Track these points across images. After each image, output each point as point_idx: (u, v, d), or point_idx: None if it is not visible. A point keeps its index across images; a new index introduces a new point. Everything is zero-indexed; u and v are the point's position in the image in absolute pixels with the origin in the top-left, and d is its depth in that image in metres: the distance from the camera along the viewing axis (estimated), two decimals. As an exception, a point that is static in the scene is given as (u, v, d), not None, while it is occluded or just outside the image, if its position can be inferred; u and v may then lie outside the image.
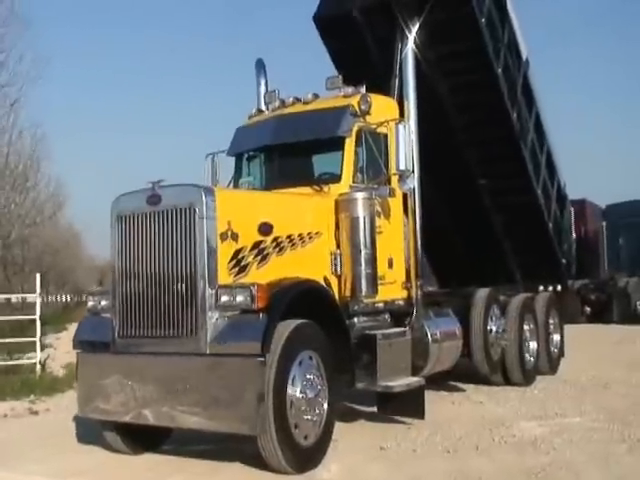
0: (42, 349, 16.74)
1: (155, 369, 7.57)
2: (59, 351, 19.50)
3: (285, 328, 7.35)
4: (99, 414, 8.19)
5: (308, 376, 7.51)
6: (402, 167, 8.97)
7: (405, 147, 8.95)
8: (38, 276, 15.65)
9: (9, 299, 34.95)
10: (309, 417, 7.46)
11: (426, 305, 10.56)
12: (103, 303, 8.31)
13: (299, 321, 7.53)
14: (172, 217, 7.52)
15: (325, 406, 7.74)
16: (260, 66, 10.90)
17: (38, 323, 15.49)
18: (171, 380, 7.40)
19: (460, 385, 12.35)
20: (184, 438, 8.62)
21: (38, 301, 15.64)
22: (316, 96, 9.70)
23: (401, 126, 8.98)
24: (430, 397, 11.27)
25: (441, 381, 12.00)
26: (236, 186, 9.98)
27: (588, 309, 26.47)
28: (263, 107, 10.27)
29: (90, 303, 8.52)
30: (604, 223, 28.10)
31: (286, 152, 9.66)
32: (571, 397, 11.35)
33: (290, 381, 7.30)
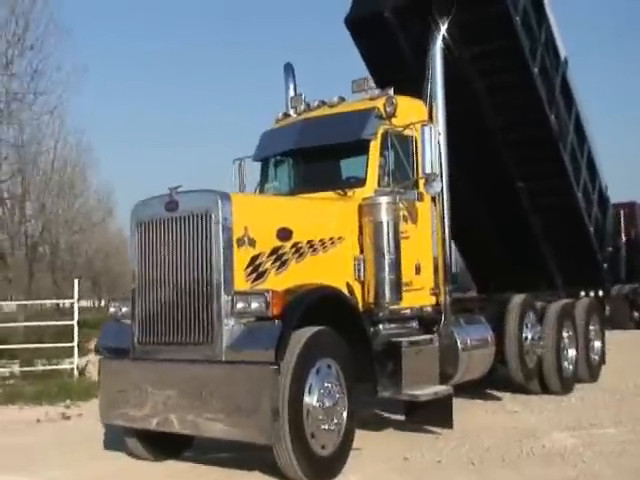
0: (85, 354, 16.89)
1: (172, 376, 7.51)
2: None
3: (302, 335, 7.23)
4: (119, 420, 8.18)
5: (326, 384, 7.37)
6: (428, 170, 8.80)
7: (431, 150, 8.77)
8: (76, 282, 15.81)
9: (58, 304, 35.58)
10: (326, 426, 7.33)
11: (457, 312, 10.39)
12: (124, 309, 8.30)
13: (317, 328, 7.40)
14: (189, 223, 7.47)
15: (344, 415, 7.59)
16: (289, 70, 10.83)
17: (76, 328, 15.61)
18: (188, 387, 7.34)
19: (496, 393, 12.12)
20: (206, 446, 8.55)
21: (76, 306, 15.78)
22: (342, 99, 9.59)
23: (427, 128, 8.80)
24: (463, 405, 11.24)
25: (477, 389, 11.81)
26: (262, 191, 9.92)
27: (637, 314, 25.84)
28: (290, 111, 10.16)
29: (111, 309, 8.53)
30: (654, 226, 27.38)
31: (311, 156, 9.57)
32: (608, 406, 11.03)
33: (307, 390, 7.18)
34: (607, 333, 22.23)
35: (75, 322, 15.49)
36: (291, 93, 10.60)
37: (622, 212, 29.31)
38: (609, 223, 14.62)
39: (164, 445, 8.37)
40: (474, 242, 14.33)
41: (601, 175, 14.32)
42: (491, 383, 11.94)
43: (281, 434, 6.92)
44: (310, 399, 7.20)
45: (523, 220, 13.27)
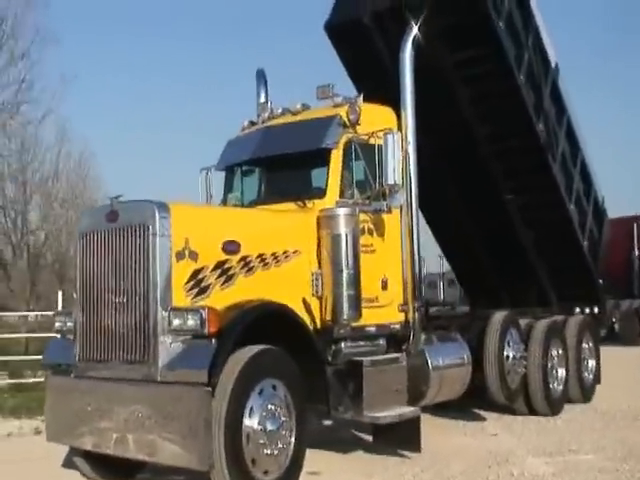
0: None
1: (110, 396, 7.20)
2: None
3: (243, 355, 6.90)
4: (64, 440, 7.92)
5: (270, 407, 7.01)
6: (390, 181, 8.45)
7: (394, 159, 8.42)
8: (60, 293, 15.56)
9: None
10: (269, 451, 6.97)
11: (430, 329, 10.01)
12: (69, 324, 8.02)
13: (260, 347, 7.06)
14: (128, 234, 7.17)
15: (292, 439, 7.24)
16: (260, 76, 10.50)
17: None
18: (124, 408, 7.03)
19: (482, 413, 11.72)
20: (161, 468, 8.20)
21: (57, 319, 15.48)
22: (306, 106, 9.27)
23: (390, 136, 8.45)
24: (444, 426, 10.94)
25: (463, 408, 11.48)
26: (225, 202, 9.62)
27: (646, 330, 25.29)
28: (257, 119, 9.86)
29: (57, 324, 8.25)
30: (664, 239, 26.78)
31: (272, 165, 9.28)
32: (594, 430, 10.58)
33: (247, 412, 6.82)
34: (614, 350, 22.05)
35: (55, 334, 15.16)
36: (262, 100, 10.29)
37: (635, 225, 28.87)
38: (605, 237, 14.09)
39: (115, 466, 8.03)
40: (464, 257, 13.99)
41: (596, 186, 13.87)
42: (480, 402, 11.51)
43: (217, 459, 6.58)
44: (251, 422, 6.85)
45: (514, 234, 12.84)
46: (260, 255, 7.75)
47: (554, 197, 12.56)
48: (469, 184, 12.60)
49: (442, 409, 11.08)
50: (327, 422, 9.76)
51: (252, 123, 9.81)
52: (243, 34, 68.97)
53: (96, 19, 60.82)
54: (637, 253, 28.64)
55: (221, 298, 7.21)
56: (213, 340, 6.72)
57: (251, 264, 7.64)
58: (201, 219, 7.55)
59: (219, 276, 7.34)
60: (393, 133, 8.57)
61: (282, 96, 10.18)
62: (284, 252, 7.99)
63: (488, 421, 11.37)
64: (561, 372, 12.09)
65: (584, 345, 12.96)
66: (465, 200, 12.86)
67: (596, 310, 13.73)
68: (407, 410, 8.62)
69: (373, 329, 8.87)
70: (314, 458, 8.39)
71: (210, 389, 6.55)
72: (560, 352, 12.10)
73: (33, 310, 26.24)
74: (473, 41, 11.10)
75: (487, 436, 10.40)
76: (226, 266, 7.42)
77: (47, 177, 28.42)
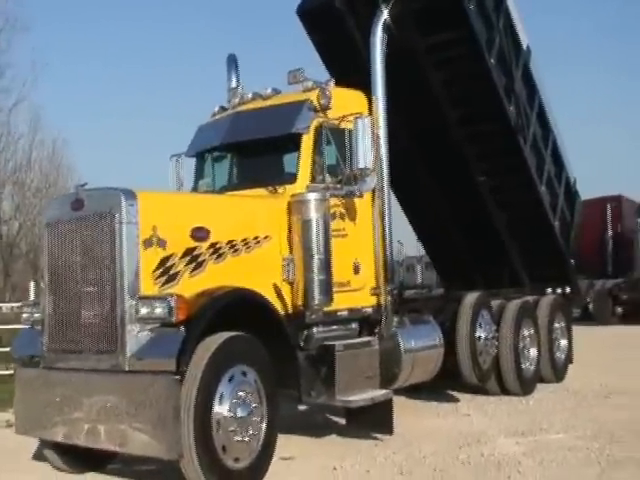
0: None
1: (78, 387, 7.03)
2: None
3: (212, 342, 6.75)
4: (33, 433, 7.76)
5: (240, 393, 6.88)
6: (361, 165, 8.32)
7: (365, 144, 8.29)
8: (32, 284, 15.25)
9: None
10: (240, 438, 6.83)
11: (403, 312, 9.95)
12: (36, 315, 7.83)
13: (230, 334, 6.92)
14: (94, 223, 6.98)
15: (263, 425, 7.12)
16: (231, 61, 10.29)
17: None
18: (93, 399, 6.87)
19: (455, 394, 11.66)
20: (133, 458, 8.06)
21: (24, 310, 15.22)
22: (276, 91, 9.10)
23: (360, 121, 8.32)
24: (416, 408, 10.89)
25: (435, 390, 11.38)
26: (196, 189, 9.44)
27: (620, 310, 25.38)
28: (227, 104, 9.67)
29: (24, 315, 8.06)
30: (639, 220, 26.84)
31: (243, 151, 9.13)
32: (565, 409, 10.55)
33: (217, 399, 6.68)
34: (588, 329, 22.15)
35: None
36: (233, 85, 10.09)
37: (609, 206, 28.98)
38: (578, 218, 14.05)
39: (85, 457, 7.87)
40: (438, 240, 13.94)
41: (568, 168, 13.80)
42: (453, 384, 11.46)
43: (186, 448, 6.45)
44: (221, 409, 6.71)
45: (486, 216, 12.78)
46: (230, 241, 7.59)
47: (525, 179, 12.50)
48: (442, 167, 12.51)
49: (415, 391, 11.04)
50: (301, 407, 9.68)
51: (223, 108, 9.63)
52: (215, 18, 68.30)
53: (66, 6, 59.85)
54: (610, 234, 28.77)
55: (190, 285, 7.05)
56: (182, 328, 6.57)
57: (221, 250, 7.49)
58: (169, 206, 7.37)
59: (188, 263, 7.18)
60: (364, 117, 8.44)
61: (253, 81, 10.04)
62: (255, 238, 7.85)
63: (461, 402, 11.30)
64: (533, 352, 12.03)
65: (556, 325, 12.93)
66: (438, 183, 12.78)
67: (568, 290, 13.71)
68: (379, 393, 8.53)
69: (345, 313, 8.78)
70: (287, 443, 8.35)
71: (179, 377, 6.41)
72: (532, 332, 12.04)
73: (9, 301, 25.90)
74: (444, 24, 10.96)
75: (460, 417, 10.34)
76: (195, 253, 7.25)
77: (20, 166, 27.93)
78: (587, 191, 15.52)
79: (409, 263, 33.28)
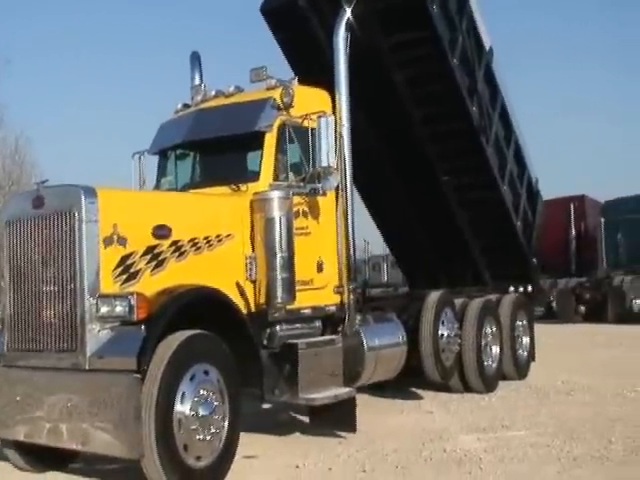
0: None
1: (39, 386, 6.94)
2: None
3: (174, 340, 6.69)
4: None
5: (202, 392, 6.82)
6: (324, 164, 8.31)
7: (328, 142, 8.29)
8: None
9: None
10: (202, 436, 6.78)
11: (366, 310, 9.99)
12: None
13: (191, 332, 6.86)
14: (54, 221, 6.89)
15: (225, 424, 7.07)
16: (195, 59, 10.23)
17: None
18: (53, 398, 6.77)
19: (418, 392, 11.66)
20: (95, 457, 7.96)
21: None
22: (239, 89, 9.04)
23: (323, 119, 8.31)
24: (379, 406, 10.90)
25: (399, 388, 11.40)
26: (158, 187, 9.37)
27: (583, 308, 25.67)
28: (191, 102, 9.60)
29: None
30: (602, 219, 27.18)
31: (205, 149, 9.05)
32: (528, 406, 10.61)
33: (178, 398, 6.63)
34: (551, 327, 22.38)
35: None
36: (196, 82, 10.03)
37: (572, 206, 29.33)
38: (539, 218, 14.16)
39: (47, 456, 7.75)
40: (402, 238, 13.98)
41: (530, 168, 13.90)
42: (417, 382, 11.45)
43: (147, 447, 6.38)
44: (182, 408, 6.65)
45: (450, 215, 12.85)
46: (192, 239, 7.54)
47: (488, 179, 12.56)
48: (406, 166, 12.56)
49: (379, 389, 11.05)
50: (264, 405, 9.63)
51: (186, 106, 9.54)
52: (178, 15, 67.78)
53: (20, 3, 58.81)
54: (574, 233, 29.10)
55: (151, 284, 6.99)
56: (142, 326, 6.52)
57: (183, 249, 7.43)
58: (130, 204, 7.29)
59: (149, 261, 7.11)
60: (327, 116, 8.44)
61: (217, 79, 10.00)
62: (217, 236, 7.80)
63: (424, 399, 11.31)
64: (495, 350, 12.08)
65: (518, 323, 12.99)
66: (402, 182, 12.83)
67: (530, 289, 13.80)
68: (343, 391, 8.52)
69: (308, 311, 8.76)
70: (250, 442, 8.29)
71: (140, 376, 6.34)
72: (494, 330, 12.10)
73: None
74: (407, 24, 11.01)
75: (422, 414, 10.35)
76: (156, 251, 7.19)
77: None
78: (552, 191, 15.69)
79: (375, 262, 33.38)
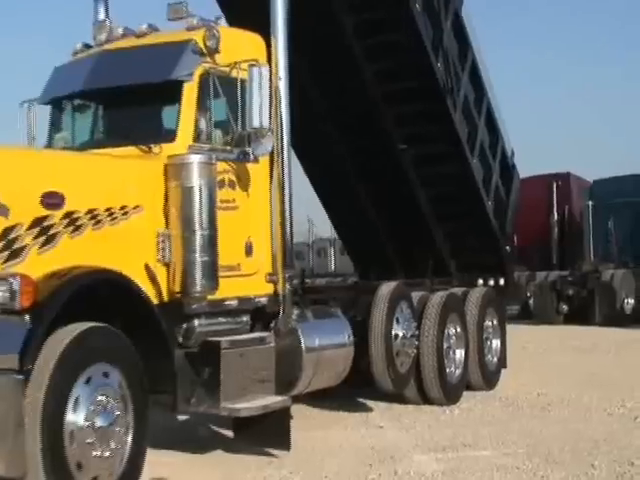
0: None
1: None
2: None
3: (65, 335, 6.61)
4: None
5: (100, 398, 6.78)
6: (256, 124, 8.29)
7: (261, 97, 8.26)
8: None
9: None
10: (100, 453, 6.72)
11: (306, 304, 10.03)
12: None
13: (88, 325, 6.80)
14: None
15: (128, 438, 7.03)
16: (99, -8, 10.07)
17: None
18: None
19: (367, 403, 11.78)
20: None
21: None
22: (153, 28, 8.95)
23: (256, 70, 8.28)
24: (319, 418, 10.98)
25: (344, 398, 11.50)
26: (51, 144, 9.22)
27: (565, 307, 26.03)
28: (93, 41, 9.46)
29: None
30: (590, 203, 27.63)
31: (110, 100, 8.97)
32: (497, 422, 10.77)
33: (70, 406, 6.56)
34: (527, 328, 22.72)
35: None
36: (100, 17, 9.89)
37: (554, 185, 29.71)
38: (514, 197, 14.37)
39: None
40: (351, 219, 14.06)
41: (505, 137, 14.12)
42: (366, 390, 11.60)
43: (32, 464, 6.29)
44: (75, 417, 6.58)
45: (408, 192, 13.02)
46: (90, 211, 7.42)
47: (454, 149, 12.77)
48: (356, 132, 12.65)
49: (319, 399, 11.11)
50: (179, 417, 9.62)
51: (87, 46, 9.40)
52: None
53: None
54: (556, 218, 29.43)
55: (39, 264, 6.89)
56: (27, 316, 6.41)
57: (79, 222, 7.31)
58: (13, 165, 7.11)
59: (37, 236, 6.99)
60: (260, 66, 8.40)
61: (126, 14, 9.89)
62: (122, 208, 7.69)
63: (374, 412, 11.42)
64: (459, 354, 12.24)
65: (487, 323, 13.16)
66: (352, 151, 12.90)
67: (502, 282, 14.01)
68: (274, 400, 8.57)
69: (234, 303, 8.74)
70: (160, 460, 8.23)
71: (22, 377, 6.24)
72: (459, 330, 12.25)
73: None
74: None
75: (371, 429, 10.44)
76: (46, 224, 7.06)
77: None
78: (530, 169, 15.97)
79: (320, 246, 33.52)
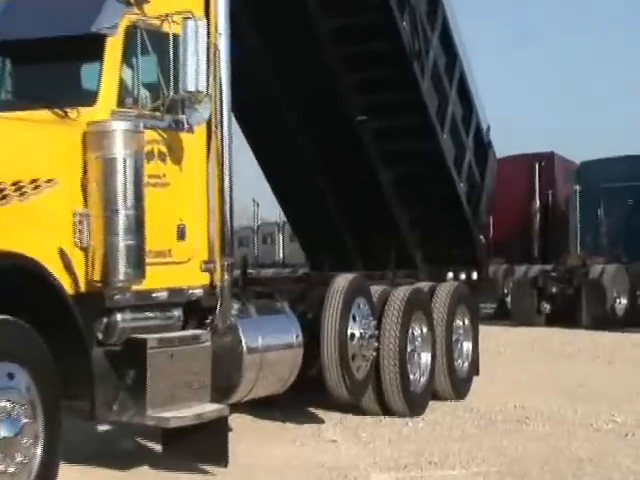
0: None
1: None
2: None
3: (-39, 330, 6.60)
4: None
5: (3, 404, 6.77)
6: (191, 87, 8.25)
7: (197, 56, 8.23)
8: None
9: None
10: (3, 467, 6.70)
11: (248, 297, 10.02)
12: None
13: (-10, 319, 6.77)
14: None
15: (38, 451, 7.03)
16: None
17: None
18: None
19: (319, 413, 11.86)
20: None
21: None
22: (70, -29, 8.88)
23: (191, 23, 8.24)
24: (263, 430, 11.09)
25: (292, 406, 11.58)
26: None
27: (547, 306, 26.20)
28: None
29: None
30: (577, 187, 27.86)
31: (17, 55, 8.91)
32: (467, 437, 10.87)
33: (-31, 412, 6.56)
34: (503, 330, 22.91)
35: None
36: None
37: (537, 166, 29.88)
38: (490, 179, 14.46)
39: None
40: (302, 200, 14.07)
41: (479, 110, 14.20)
42: (317, 398, 11.68)
43: None
44: (-26, 427, 6.58)
45: (367, 171, 13.04)
46: (-4, 185, 7.37)
47: (420, 121, 12.79)
48: (310, 99, 12.60)
49: (263, 408, 11.16)
50: (98, 426, 9.55)
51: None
52: None
53: None
54: (538, 204, 29.56)
55: None
56: None
57: (-18, 197, 7.26)
58: None
59: None
60: (197, 19, 8.36)
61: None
62: (32, 182, 7.59)
63: (326, 424, 11.48)
64: (425, 358, 12.32)
65: (458, 322, 13.30)
66: (303, 122, 12.90)
67: (475, 276, 14.11)
68: (210, 409, 8.61)
69: (164, 295, 8.71)
70: (76, 476, 8.28)
71: None
72: (424, 331, 12.33)
73: None
74: None
75: (323, 444, 10.49)
76: (-57, 199, 7.04)
77: None
78: (509, 149, 16.10)
79: (267, 231, 33.52)
